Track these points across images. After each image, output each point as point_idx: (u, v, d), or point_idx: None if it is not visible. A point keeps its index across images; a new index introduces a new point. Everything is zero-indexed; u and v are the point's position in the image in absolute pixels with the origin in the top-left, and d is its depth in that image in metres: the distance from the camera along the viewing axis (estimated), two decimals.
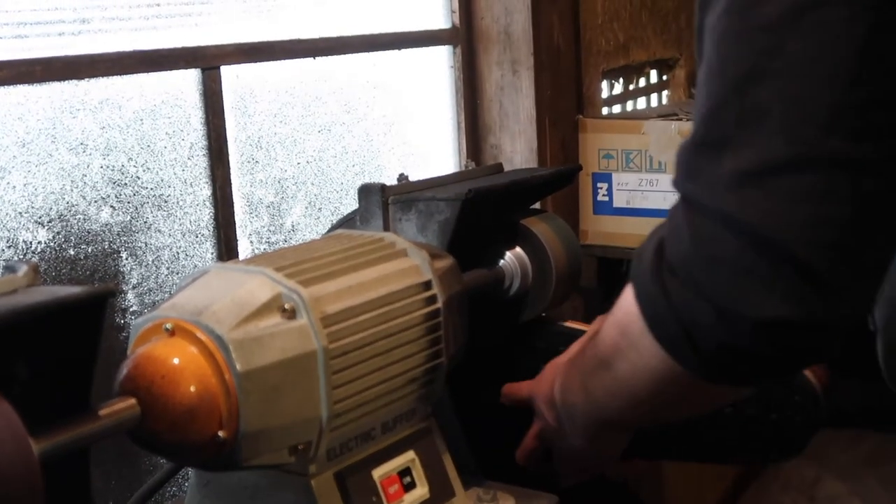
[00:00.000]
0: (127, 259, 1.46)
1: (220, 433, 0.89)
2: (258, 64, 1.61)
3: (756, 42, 0.68)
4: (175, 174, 1.51)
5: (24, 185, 1.35)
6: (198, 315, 0.91)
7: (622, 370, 0.84)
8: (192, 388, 0.88)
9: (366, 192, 1.23)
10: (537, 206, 1.44)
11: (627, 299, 0.80)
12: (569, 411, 0.99)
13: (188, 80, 1.52)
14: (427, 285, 1.07)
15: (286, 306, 0.94)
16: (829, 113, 0.66)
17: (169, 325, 0.92)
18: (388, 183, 1.24)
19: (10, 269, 0.83)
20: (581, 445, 1.01)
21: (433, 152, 1.93)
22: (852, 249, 0.68)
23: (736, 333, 0.70)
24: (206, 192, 1.55)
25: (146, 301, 1.47)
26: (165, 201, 1.50)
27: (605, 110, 2.07)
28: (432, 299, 1.07)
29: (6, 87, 1.32)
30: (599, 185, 1.95)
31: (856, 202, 0.67)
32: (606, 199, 1.94)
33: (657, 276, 0.74)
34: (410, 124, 1.88)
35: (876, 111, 0.66)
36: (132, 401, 0.87)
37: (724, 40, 0.70)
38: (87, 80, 1.40)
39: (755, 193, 0.67)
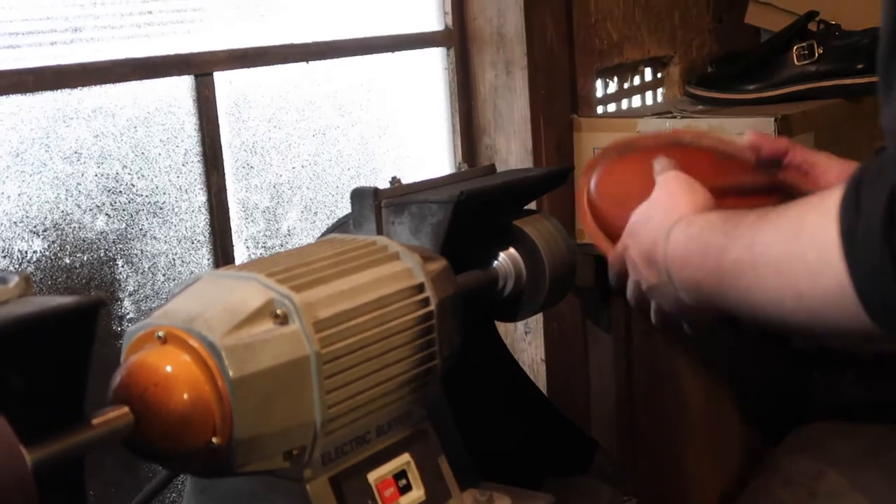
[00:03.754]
0: (123, 267, 1.46)
1: (214, 440, 0.90)
2: (251, 69, 1.61)
3: None
4: (170, 181, 1.51)
5: (19, 194, 1.35)
6: (190, 322, 0.92)
7: (790, 305, 0.77)
8: (185, 396, 0.89)
9: (358, 195, 1.23)
10: (533, 205, 1.44)
11: (822, 238, 0.72)
12: (682, 283, 0.92)
13: (181, 87, 1.52)
14: (420, 288, 1.08)
15: (278, 312, 0.95)
16: None
17: (161, 333, 0.92)
18: (381, 186, 1.24)
19: (1, 280, 0.83)
20: (685, 307, 0.95)
21: (428, 154, 1.93)
22: None
23: None
24: (201, 198, 1.55)
25: (142, 308, 1.48)
26: (161, 208, 1.50)
27: (599, 109, 2.07)
28: (425, 302, 1.08)
29: None
30: None
31: None
32: None
33: (888, 241, 0.66)
34: (405, 127, 1.88)
35: None
36: (125, 409, 0.88)
37: None
38: (79, 88, 1.40)
39: None
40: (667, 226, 0.96)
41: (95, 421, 0.85)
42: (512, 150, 1.91)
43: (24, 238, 1.36)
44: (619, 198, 1.09)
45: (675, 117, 1.88)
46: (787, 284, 0.77)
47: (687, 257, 0.92)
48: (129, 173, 1.47)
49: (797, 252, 0.76)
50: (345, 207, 1.72)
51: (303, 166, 1.71)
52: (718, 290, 0.87)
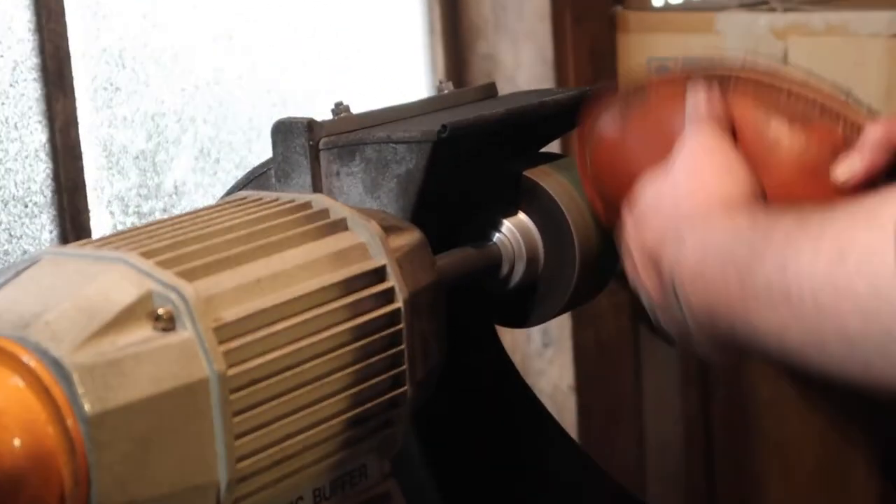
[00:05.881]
0: None
1: None
2: None
3: None
4: None
5: None
6: (23, 329, 0.92)
7: (837, 351, 0.84)
8: (17, 443, 0.89)
9: (284, 131, 1.24)
10: (556, 147, 1.44)
11: (876, 264, 0.79)
12: (691, 307, 0.99)
13: None
14: (380, 274, 1.08)
15: (160, 311, 0.95)
16: None
17: None
18: (319, 118, 1.25)
19: None
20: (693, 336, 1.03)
21: (394, 68, 1.93)
22: None
23: None
24: (39, 137, 1.55)
25: None
26: None
27: None
28: (388, 295, 1.08)
29: None
30: None
31: None
32: None
33: None
34: (357, 27, 1.88)
35: None
36: None
37: None
38: None
39: None
40: (681, 224, 1.02)
41: None
42: (522, 61, 1.92)
43: None
44: (626, 167, 1.15)
45: (773, 10, 1.89)
46: (832, 325, 0.83)
47: (699, 275, 0.99)
48: None
49: (843, 282, 0.82)
50: (263, 151, 1.72)
51: (197, 87, 1.70)
52: (739, 324, 0.94)
